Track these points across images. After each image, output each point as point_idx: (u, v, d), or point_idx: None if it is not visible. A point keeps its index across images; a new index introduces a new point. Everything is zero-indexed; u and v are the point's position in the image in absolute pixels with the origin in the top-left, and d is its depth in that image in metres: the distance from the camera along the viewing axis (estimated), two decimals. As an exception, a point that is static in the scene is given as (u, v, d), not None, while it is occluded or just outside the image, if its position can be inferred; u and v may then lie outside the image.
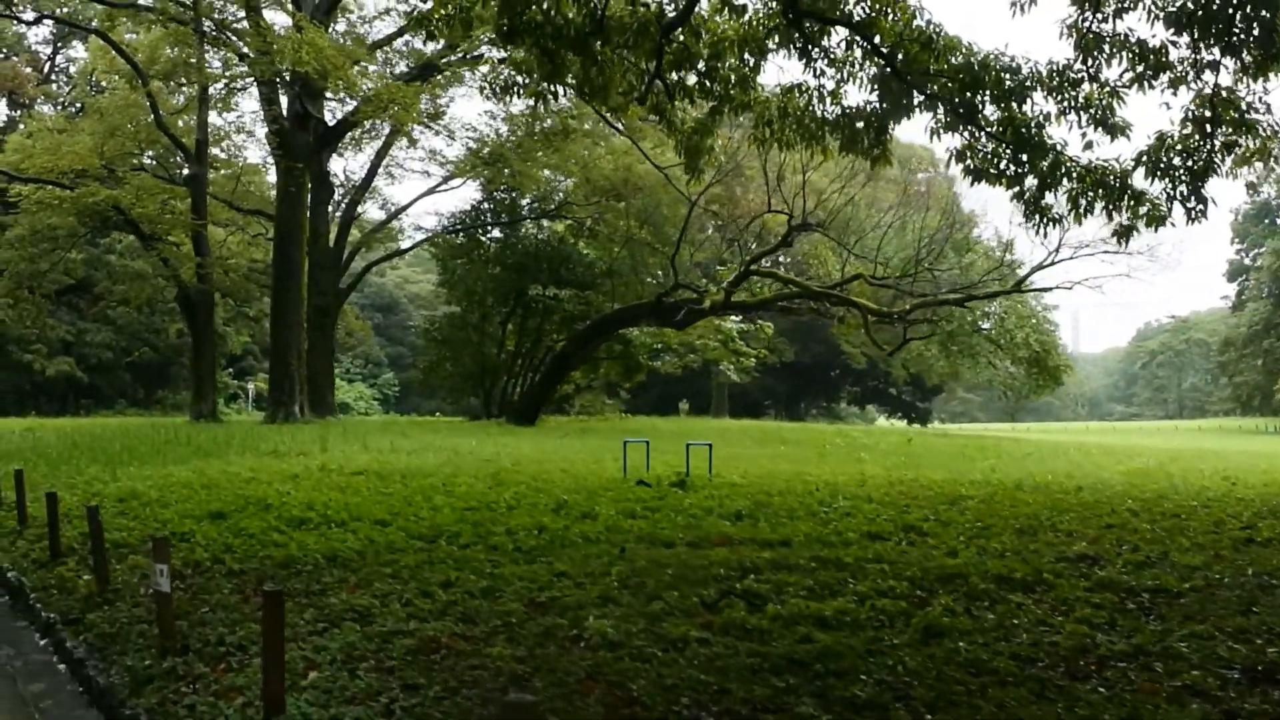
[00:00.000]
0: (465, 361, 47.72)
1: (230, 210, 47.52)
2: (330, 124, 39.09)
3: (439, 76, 39.19)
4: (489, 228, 49.52)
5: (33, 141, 43.39)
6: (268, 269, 49.35)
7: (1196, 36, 17.13)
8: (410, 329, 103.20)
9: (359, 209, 49.38)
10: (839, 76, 19.73)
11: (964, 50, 18.24)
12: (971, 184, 20.10)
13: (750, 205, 40.40)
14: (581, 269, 46.02)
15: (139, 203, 39.05)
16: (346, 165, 71.80)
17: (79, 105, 55.26)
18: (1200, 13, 16.71)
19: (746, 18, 19.15)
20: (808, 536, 12.80)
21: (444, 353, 49.27)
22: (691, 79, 19.94)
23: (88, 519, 11.40)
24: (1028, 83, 18.10)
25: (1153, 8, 17.28)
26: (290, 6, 33.81)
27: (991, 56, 18.09)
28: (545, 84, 17.91)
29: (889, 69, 18.56)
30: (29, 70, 65.08)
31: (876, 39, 18.44)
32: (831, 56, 19.48)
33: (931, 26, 18.19)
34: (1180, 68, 17.65)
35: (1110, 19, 17.39)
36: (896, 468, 22.94)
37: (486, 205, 49.62)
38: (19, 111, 64.20)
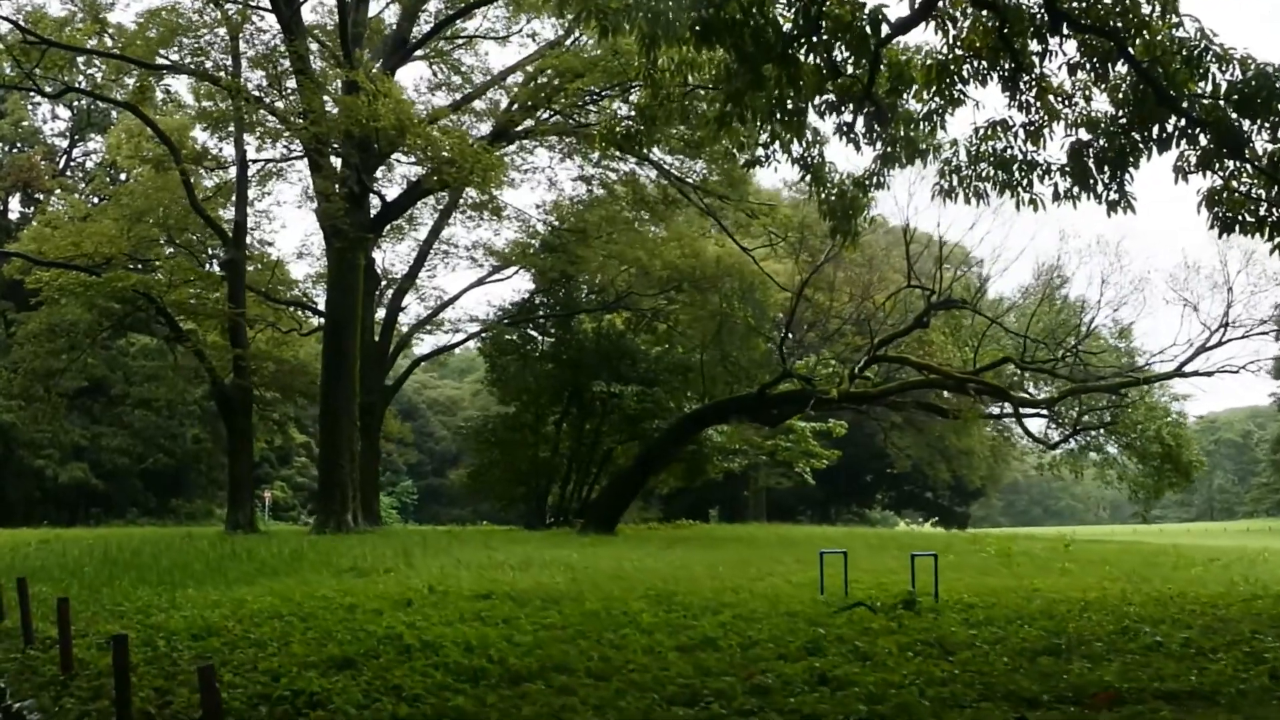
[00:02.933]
0: (518, 465, 43.72)
1: (263, 304, 43.82)
2: (389, 199, 35.47)
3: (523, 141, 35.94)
4: (543, 321, 45.91)
5: (52, 229, 39.82)
6: (297, 367, 45.88)
7: None
8: (430, 436, 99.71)
9: (403, 300, 45.69)
10: (1061, 106, 16.46)
11: (1239, 62, 14.83)
12: (1221, 235, 16.61)
13: (853, 281, 36.83)
14: (646, 364, 42.32)
15: (172, 289, 35.47)
16: (385, 256, 67.65)
17: (98, 197, 52.05)
18: None
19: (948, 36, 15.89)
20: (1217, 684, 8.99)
21: (493, 455, 45.28)
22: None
23: (200, 682, 7.51)
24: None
25: None
26: (342, 55, 30.01)
27: (1274, 69, 14.71)
28: (732, 106, 14.51)
29: (1148, 86, 15.16)
30: (44, 163, 62.01)
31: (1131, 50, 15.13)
32: (1045, 85, 16.18)
33: (1201, 35, 14.83)
34: None
35: None
36: (1111, 579, 19.03)
37: (540, 298, 46.10)
38: (33, 207, 61.02)
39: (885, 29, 13.57)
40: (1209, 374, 30.51)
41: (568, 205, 42.55)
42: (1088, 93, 16.01)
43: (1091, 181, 16.04)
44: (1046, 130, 16.34)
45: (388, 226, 39.59)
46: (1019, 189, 16.89)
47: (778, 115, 15.35)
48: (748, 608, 14.14)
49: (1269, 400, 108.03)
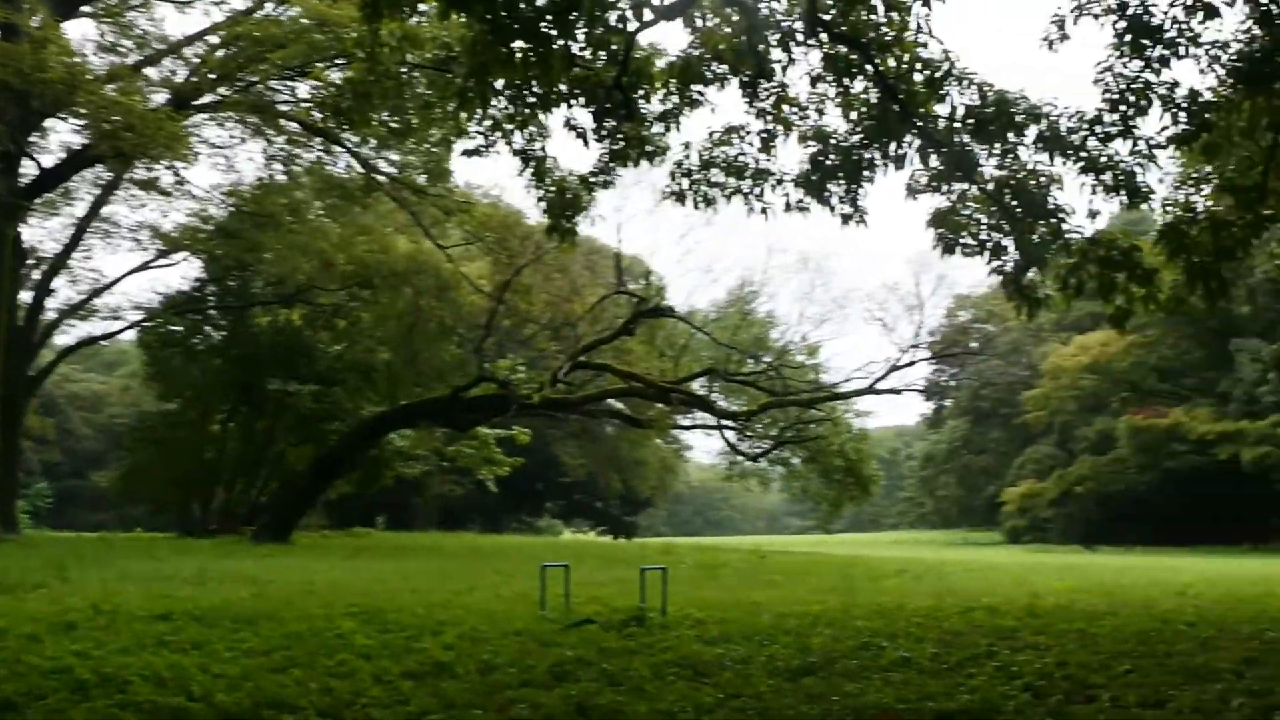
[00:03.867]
0: (179, 466, 40.27)
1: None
2: (46, 165, 31.56)
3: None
4: (213, 312, 42.56)
5: None
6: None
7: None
8: (71, 434, 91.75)
9: (53, 283, 40.99)
10: (795, 117, 16.33)
11: (977, 86, 15.08)
12: (943, 255, 16.93)
13: (553, 286, 35.86)
14: (325, 363, 40.00)
15: None
16: (34, 232, 59.73)
17: None
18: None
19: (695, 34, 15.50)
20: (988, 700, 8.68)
21: (150, 456, 41.56)
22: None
23: None
24: (1048, 132, 15.16)
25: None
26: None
27: (1012, 97, 15.02)
28: (476, 82, 13.39)
29: (890, 103, 15.17)
30: None
31: (880, 66, 15.10)
32: (784, 94, 16.03)
33: (945, 56, 14.98)
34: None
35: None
36: (821, 591, 19.02)
37: (211, 288, 42.69)
38: None
39: (648, 13, 12.89)
40: (897, 392, 31.82)
41: (248, 189, 39.50)
42: (822, 106, 15.98)
43: (826, 194, 16.00)
44: (780, 139, 16.22)
45: (40, 198, 35.52)
46: (750, 196, 16.67)
47: (523, 96, 14.44)
48: (468, 625, 12.96)
49: (917, 419, 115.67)
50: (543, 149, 16.88)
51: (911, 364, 30.90)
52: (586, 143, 16.63)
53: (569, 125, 16.19)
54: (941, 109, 15.21)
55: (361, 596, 15.96)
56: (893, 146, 15.39)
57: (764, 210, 16.45)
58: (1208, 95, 14.11)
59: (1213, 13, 13.14)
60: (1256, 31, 13.52)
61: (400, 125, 25.35)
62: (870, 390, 32.07)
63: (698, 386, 31.84)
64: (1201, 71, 14.18)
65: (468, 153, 17.33)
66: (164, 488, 41.66)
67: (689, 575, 21.82)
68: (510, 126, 16.28)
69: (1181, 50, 14.01)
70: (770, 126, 16.14)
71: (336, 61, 26.67)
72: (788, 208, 16.45)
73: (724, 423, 32.27)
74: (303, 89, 31.42)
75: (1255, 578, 25.10)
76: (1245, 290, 54.59)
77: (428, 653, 10.91)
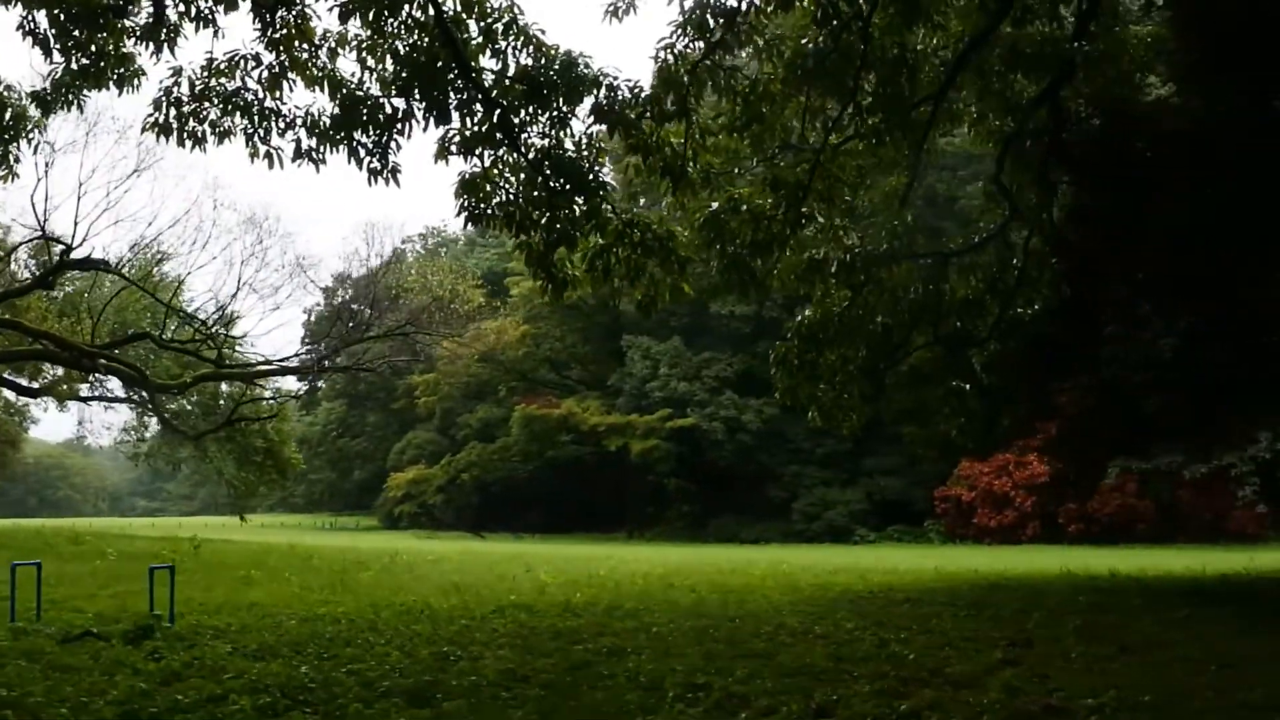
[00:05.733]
0: None
1: None
2: None
3: None
4: None
5: None
6: None
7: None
8: None
9: None
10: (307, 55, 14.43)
11: (536, 44, 14.02)
12: (467, 225, 15.80)
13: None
14: None
15: None
16: None
17: None
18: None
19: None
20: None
21: None
22: None
23: None
24: (605, 103, 14.44)
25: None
26: None
27: (574, 60, 14.13)
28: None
29: (444, 49, 13.72)
30: None
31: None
32: (304, 26, 14.21)
33: (510, 6, 13.82)
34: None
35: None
36: (325, 588, 17.02)
37: None
38: None
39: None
40: (346, 369, 29.91)
41: None
42: (343, 48, 14.22)
43: (354, 145, 14.23)
44: (289, 80, 14.29)
45: None
46: (255, 139, 14.51)
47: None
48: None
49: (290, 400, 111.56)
50: None
51: (362, 341, 29.07)
52: (49, 53, 13.80)
53: (25, 30, 13.34)
54: (491, 64, 14.04)
55: None
56: (437, 97, 13.94)
57: (269, 156, 14.33)
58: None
59: (787, 5, 13.08)
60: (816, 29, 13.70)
61: None
62: (320, 368, 29.96)
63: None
64: (761, 61, 14.25)
65: None
66: None
67: (132, 571, 18.65)
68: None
69: (744, 38, 13.94)
70: (281, 60, 14.11)
71: None
72: (299, 155, 14.41)
73: (151, 395, 28.36)
74: None
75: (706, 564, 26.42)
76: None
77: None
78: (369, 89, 14.25)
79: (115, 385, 31.56)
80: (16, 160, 16.37)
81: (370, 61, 14.14)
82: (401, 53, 13.86)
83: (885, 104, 14.55)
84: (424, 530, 66.15)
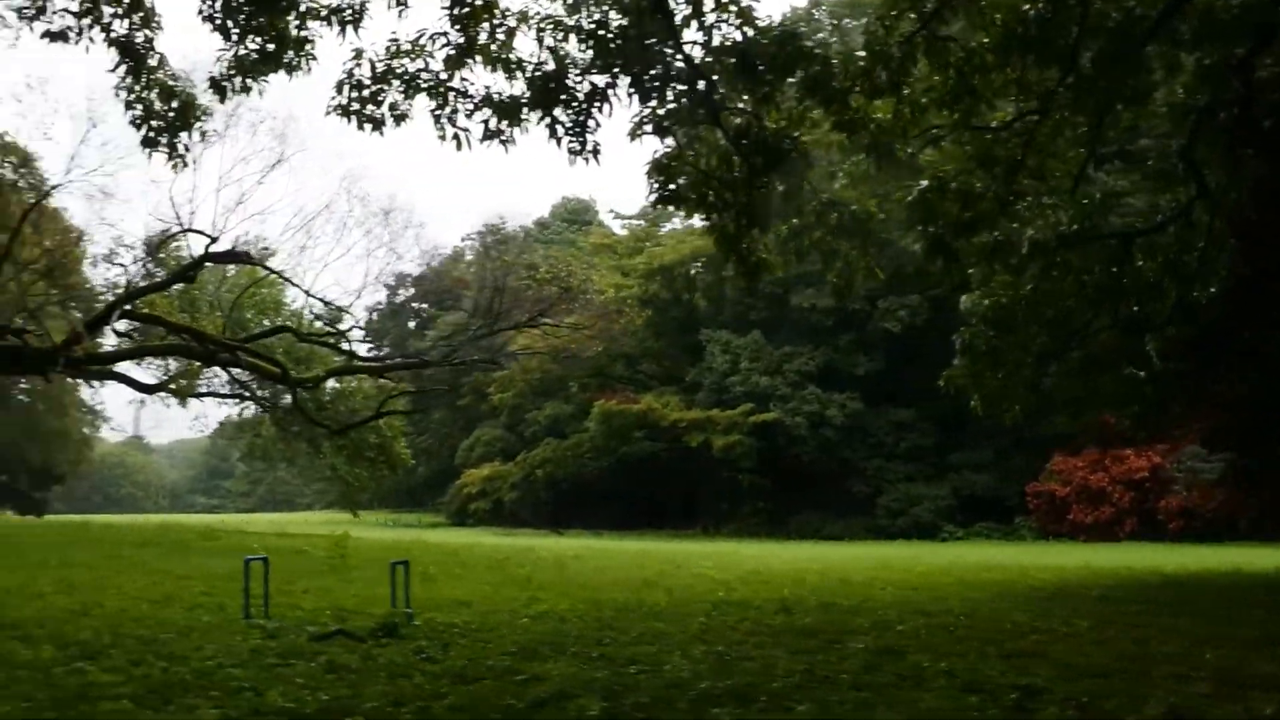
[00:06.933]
0: None
1: None
2: None
3: None
4: None
5: None
6: None
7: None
8: None
9: None
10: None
11: (743, 14, 13.32)
12: (657, 206, 15.21)
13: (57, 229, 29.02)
14: None
15: None
16: None
17: None
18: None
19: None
20: None
21: None
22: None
23: None
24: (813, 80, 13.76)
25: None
26: None
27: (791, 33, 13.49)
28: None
29: (654, 19, 13.15)
30: None
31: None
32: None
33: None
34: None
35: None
36: (506, 584, 16.56)
37: None
38: None
39: None
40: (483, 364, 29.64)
41: None
42: (526, 25, 13.64)
43: (554, 122, 13.64)
44: (472, 60, 13.74)
45: None
46: (444, 120, 14.00)
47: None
48: (202, 642, 9.43)
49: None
50: (149, 40, 13.62)
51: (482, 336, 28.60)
52: (228, 37, 13.43)
53: (205, 16, 12.96)
54: (696, 36, 13.39)
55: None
56: (641, 73, 13.35)
57: (457, 137, 13.81)
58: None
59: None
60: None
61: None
62: (448, 362, 29.53)
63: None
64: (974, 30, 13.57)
65: (51, 35, 13.37)
66: None
67: (297, 567, 18.23)
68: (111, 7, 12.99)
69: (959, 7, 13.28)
70: (471, 37, 13.57)
71: None
72: (489, 136, 13.85)
73: (292, 390, 27.81)
74: None
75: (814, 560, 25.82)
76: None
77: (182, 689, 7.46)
78: (565, 65, 13.66)
79: (223, 380, 31.27)
80: (186, 149, 15.99)
81: (562, 38, 13.56)
82: (586, 28, 13.27)
83: (1104, 71, 13.81)
84: (498, 528, 65.55)
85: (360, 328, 29.24)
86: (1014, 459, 54.94)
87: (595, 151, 13.75)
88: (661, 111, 13.67)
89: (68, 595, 13.34)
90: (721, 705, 7.53)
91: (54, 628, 10.24)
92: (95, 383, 30.96)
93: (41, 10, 13.23)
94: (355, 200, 40.38)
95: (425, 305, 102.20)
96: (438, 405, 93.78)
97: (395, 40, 13.64)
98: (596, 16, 13.40)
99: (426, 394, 31.28)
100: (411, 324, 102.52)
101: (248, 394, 31.13)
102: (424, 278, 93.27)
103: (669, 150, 14.24)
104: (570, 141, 13.66)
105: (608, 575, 19.04)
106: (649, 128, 13.87)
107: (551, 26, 13.58)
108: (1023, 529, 54.20)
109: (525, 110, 13.78)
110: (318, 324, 30.88)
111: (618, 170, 17.98)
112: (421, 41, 13.58)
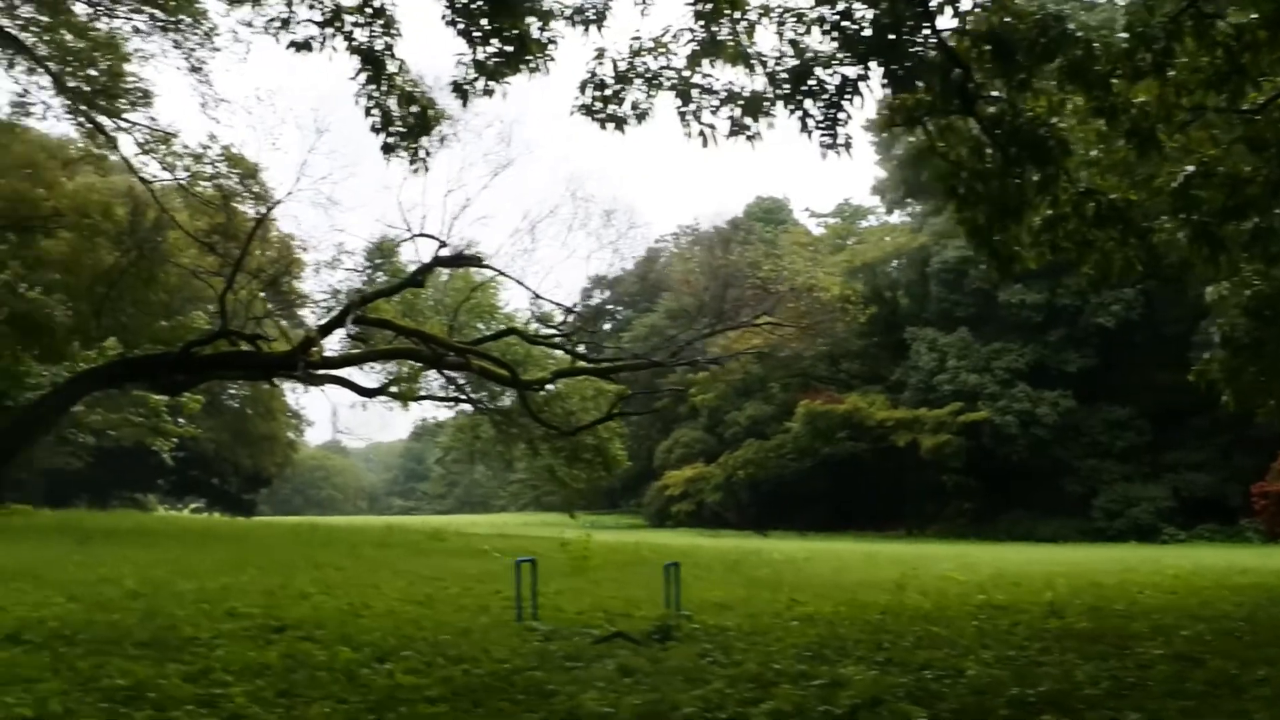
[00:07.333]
0: None
1: None
2: None
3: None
4: None
5: None
6: None
7: None
8: None
9: None
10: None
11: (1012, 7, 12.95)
12: (906, 198, 14.87)
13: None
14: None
15: None
16: None
17: None
18: None
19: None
20: None
21: None
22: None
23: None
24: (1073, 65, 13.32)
25: None
26: None
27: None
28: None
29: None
30: None
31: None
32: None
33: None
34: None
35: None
36: (736, 586, 16.58)
37: None
38: None
39: None
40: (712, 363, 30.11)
41: None
42: (768, 18, 13.50)
43: (801, 115, 13.47)
44: (713, 57, 13.65)
45: None
46: (689, 116, 13.94)
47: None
48: (485, 644, 9.66)
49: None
50: (389, 44, 13.93)
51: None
52: (472, 42, 13.63)
53: (449, 21, 13.18)
54: (948, 22, 13.04)
55: (229, 597, 12.03)
56: (896, 63, 13.08)
57: (703, 134, 13.77)
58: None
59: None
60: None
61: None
62: (659, 364, 29.95)
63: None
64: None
65: (296, 45, 13.78)
66: None
67: (559, 568, 18.44)
68: (352, 16, 13.33)
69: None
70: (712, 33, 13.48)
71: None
72: (735, 131, 13.76)
73: (521, 393, 28.38)
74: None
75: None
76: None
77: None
78: (807, 58, 13.47)
79: (440, 384, 32.07)
80: (427, 153, 16.32)
81: (804, 31, 13.37)
82: (830, 19, 13.03)
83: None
84: (701, 529, 65.51)
85: (588, 330, 29.59)
86: (1236, 458, 52.40)
87: (847, 144, 13.54)
88: (910, 103, 13.43)
89: (331, 596, 13.65)
90: (1041, 713, 7.31)
91: (334, 629, 10.46)
92: (317, 387, 31.99)
93: (286, 22, 13.75)
94: (581, 202, 40.39)
95: (620, 307, 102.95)
96: (645, 406, 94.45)
97: (637, 38, 13.65)
98: (841, 7, 13.18)
99: (653, 394, 31.42)
100: (607, 326, 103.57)
101: (464, 397, 31.90)
102: (621, 279, 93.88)
103: (920, 142, 13.99)
104: (822, 135, 13.49)
105: (849, 577, 18.86)
106: (899, 119, 13.67)
107: (794, 19, 13.42)
108: (1248, 531, 51.51)
109: (769, 104, 13.65)
110: (532, 326, 31.54)
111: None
112: (665, 39, 13.57)
